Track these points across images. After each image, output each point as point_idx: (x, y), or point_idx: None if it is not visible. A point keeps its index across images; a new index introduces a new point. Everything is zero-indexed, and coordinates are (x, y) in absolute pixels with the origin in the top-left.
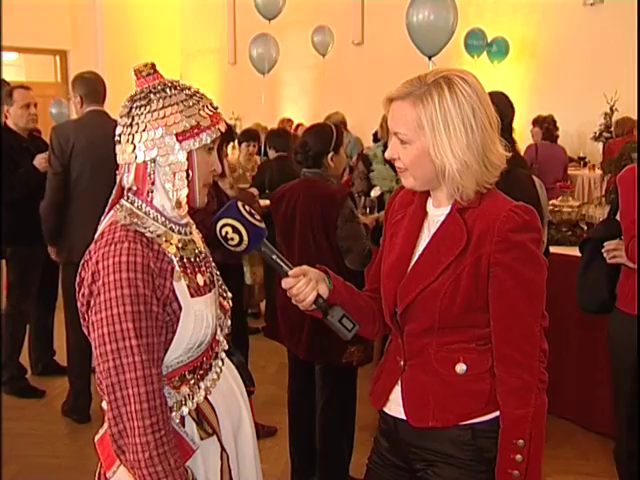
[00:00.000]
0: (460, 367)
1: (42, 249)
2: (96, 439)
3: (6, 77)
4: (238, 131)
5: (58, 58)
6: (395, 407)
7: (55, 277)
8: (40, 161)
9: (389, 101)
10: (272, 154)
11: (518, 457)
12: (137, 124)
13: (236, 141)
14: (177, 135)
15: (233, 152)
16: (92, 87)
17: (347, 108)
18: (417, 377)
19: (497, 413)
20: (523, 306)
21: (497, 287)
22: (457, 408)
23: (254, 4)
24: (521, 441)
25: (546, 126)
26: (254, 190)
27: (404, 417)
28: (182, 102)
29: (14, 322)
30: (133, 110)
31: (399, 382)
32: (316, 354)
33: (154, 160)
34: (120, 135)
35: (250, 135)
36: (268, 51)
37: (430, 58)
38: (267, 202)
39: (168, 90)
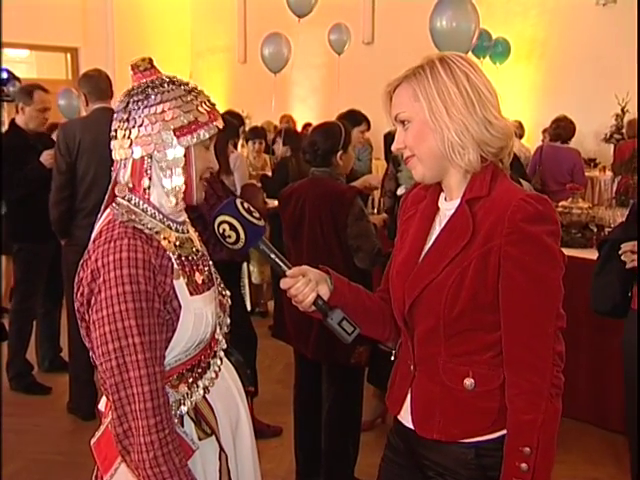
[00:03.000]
0: (469, 381)
1: (48, 246)
2: (92, 442)
3: (18, 74)
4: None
5: (69, 55)
6: (406, 415)
7: (62, 274)
8: (46, 157)
9: (389, 95)
10: (285, 151)
11: (523, 466)
12: (134, 119)
13: (243, 139)
14: (175, 130)
15: (242, 150)
16: (95, 84)
17: (357, 108)
18: (426, 385)
19: (504, 432)
20: (535, 304)
21: (508, 283)
22: (463, 424)
23: (286, 2)
24: (527, 449)
25: (554, 126)
26: (257, 183)
27: (412, 427)
28: (180, 97)
29: (20, 319)
30: (130, 105)
31: (410, 390)
32: (324, 353)
33: (151, 156)
34: (116, 130)
35: (257, 133)
36: (280, 50)
37: None
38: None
39: (166, 85)
